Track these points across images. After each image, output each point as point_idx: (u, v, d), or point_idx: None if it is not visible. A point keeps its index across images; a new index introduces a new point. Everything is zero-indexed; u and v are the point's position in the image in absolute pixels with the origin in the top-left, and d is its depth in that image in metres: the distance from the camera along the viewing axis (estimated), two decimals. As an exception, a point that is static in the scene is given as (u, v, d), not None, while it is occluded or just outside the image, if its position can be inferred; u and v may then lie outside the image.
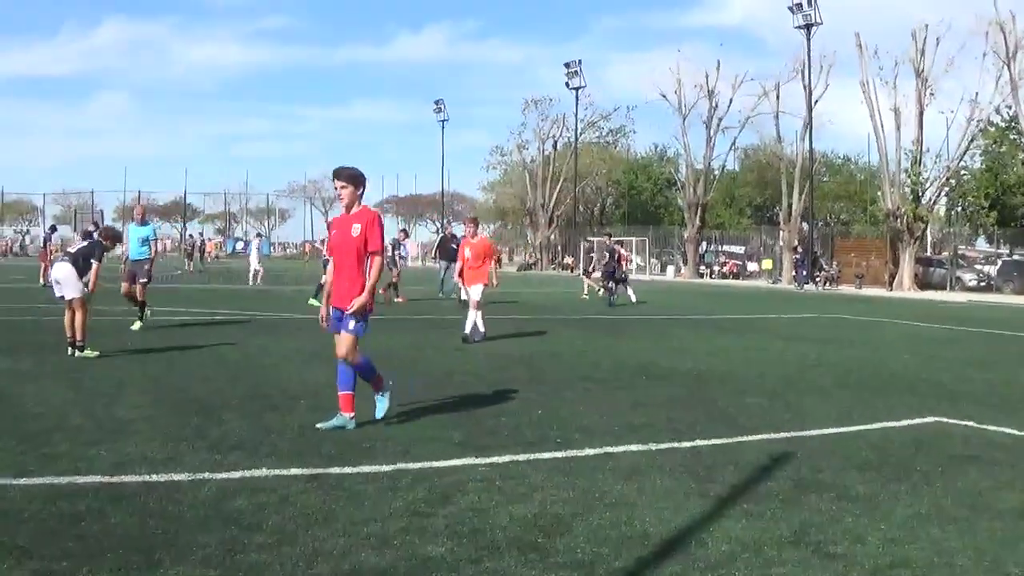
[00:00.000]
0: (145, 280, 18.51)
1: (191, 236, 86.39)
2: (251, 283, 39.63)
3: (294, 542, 5.58)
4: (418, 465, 7.58)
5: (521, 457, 7.93)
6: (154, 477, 7.06)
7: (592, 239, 36.25)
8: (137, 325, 18.05)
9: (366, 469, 7.44)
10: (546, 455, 8.05)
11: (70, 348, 14.07)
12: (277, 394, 10.87)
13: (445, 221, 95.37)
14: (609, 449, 8.32)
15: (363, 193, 9.11)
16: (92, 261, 14.42)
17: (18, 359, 13.67)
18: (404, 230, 41.16)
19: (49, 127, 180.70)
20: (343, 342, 8.81)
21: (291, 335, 18.23)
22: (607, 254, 32.49)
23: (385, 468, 7.47)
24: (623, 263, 32.20)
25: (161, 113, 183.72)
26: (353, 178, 8.98)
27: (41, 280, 14.64)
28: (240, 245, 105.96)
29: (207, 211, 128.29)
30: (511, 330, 20.03)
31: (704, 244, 75.99)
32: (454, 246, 32.29)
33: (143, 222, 19.54)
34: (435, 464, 7.63)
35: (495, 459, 7.82)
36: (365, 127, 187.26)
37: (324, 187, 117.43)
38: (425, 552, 5.44)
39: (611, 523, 6.07)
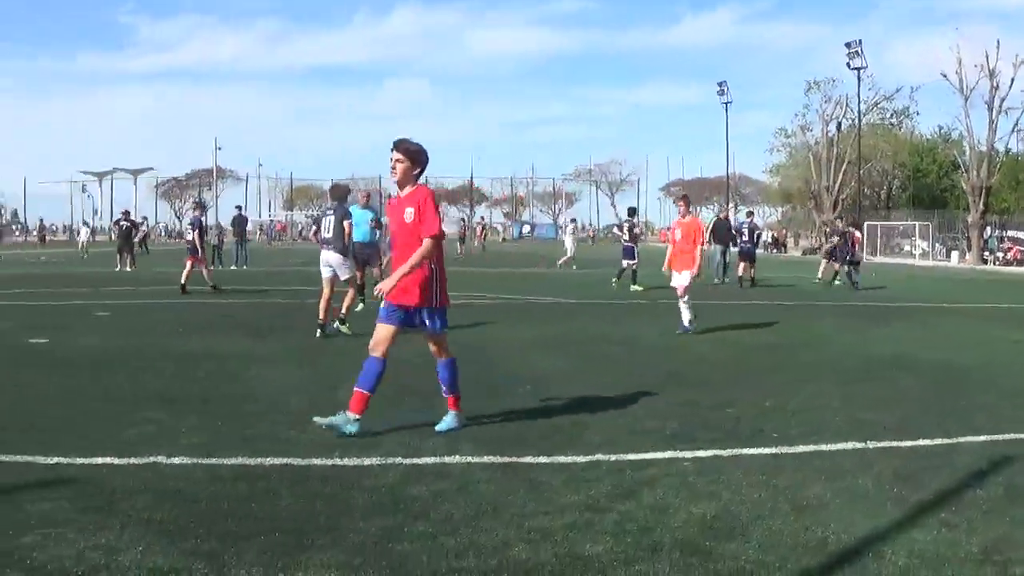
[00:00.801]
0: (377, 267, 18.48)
1: (462, 220, 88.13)
2: (558, 265, 39.73)
3: (454, 533, 5.45)
4: (615, 457, 7.31)
5: (727, 452, 7.53)
6: (344, 461, 7.12)
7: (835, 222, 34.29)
8: (359, 307, 18.06)
9: (561, 459, 7.23)
10: (753, 451, 7.62)
11: (319, 331, 14.57)
12: (501, 380, 10.81)
13: (731, 204, 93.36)
14: (823, 447, 7.80)
15: (420, 174, 8.15)
16: (344, 224, 15.02)
17: (263, 342, 14.30)
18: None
19: (344, 114, 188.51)
20: (437, 341, 8.20)
21: (544, 321, 18.16)
22: (840, 237, 31.82)
23: (580, 459, 7.24)
24: (856, 246, 30.93)
25: (456, 99, 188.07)
26: (412, 153, 8.00)
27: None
28: (527, 229, 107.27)
29: (495, 195, 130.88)
30: (768, 317, 19.39)
31: (988, 229, 71.65)
32: (730, 230, 31.79)
33: (367, 205, 18.96)
34: (634, 456, 7.34)
35: (699, 453, 7.46)
36: (653, 109, 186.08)
37: (610, 170, 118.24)
38: (582, 550, 5.18)
39: (791, 528, 5.63)
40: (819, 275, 33.31)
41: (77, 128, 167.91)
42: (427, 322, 8.06)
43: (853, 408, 9.45)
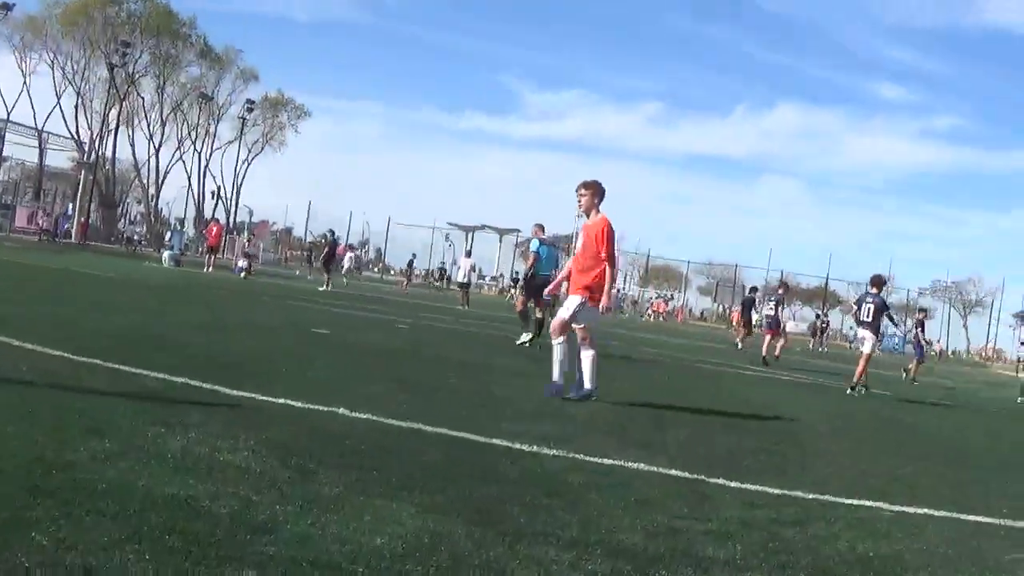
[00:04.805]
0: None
1: (816, 318, 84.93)
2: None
3: (572, 510, 5.03)
4: (814, 496, 6.52)
5: (939, 513, 6.56)
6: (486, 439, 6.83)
7: None
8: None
9: (750, 487, 6.53)
10: (980, 519, 6.62)
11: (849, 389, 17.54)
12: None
13: None
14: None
15: None
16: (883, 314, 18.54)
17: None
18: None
19: (714, 202, 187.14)
20: None
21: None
22: None
23: (773, 491, 6.55)
24: None
25: (825, 202, 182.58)
26: None
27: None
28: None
29: (850, 300, 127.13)
30: None
31: None
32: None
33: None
34: (833, 499, 6.55)
35: (908, 509, 6.53)
36: (1017, 234, 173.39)
37: (965, 289, 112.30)
38: (700, 551, 4.65)
39: (960, 578, 4.86)
40: None
41: (449, 181, 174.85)
42: None
43: None
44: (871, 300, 18.21)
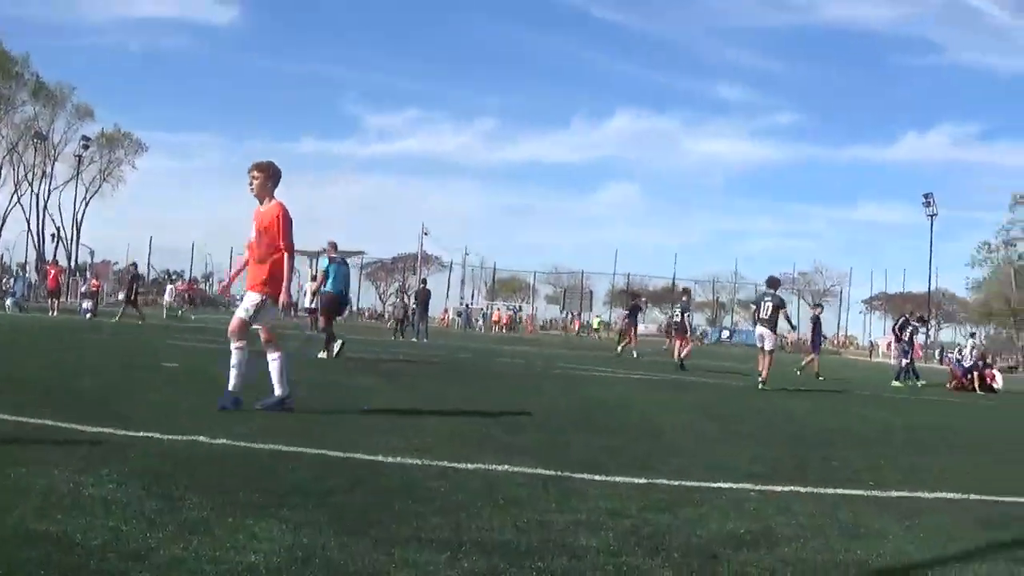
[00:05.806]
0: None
1: (668, 318, 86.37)
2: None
3: (442, 512, 5.08)
4: (678, 482, 6.74)
5: (805, 489, 6.83)
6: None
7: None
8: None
9: (616, 479, 6.70)
10: (838, 490, 6.88)
11: (760, 384, 18.94)
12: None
13: (932, 320, 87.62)
14: (919, 494, 7.02)
15: None
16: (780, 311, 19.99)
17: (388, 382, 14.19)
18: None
19: (552, 212, 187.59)
20: None
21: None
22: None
23: (638, 480, 6.70)
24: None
25: (666, 204, 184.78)
26: None
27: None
28: (726, 335, 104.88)
29: (697, 299, 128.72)
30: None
31: None
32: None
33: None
34: (696, 484, 6.74)
35: (773, 487, 6.77)
36: (866, 227, 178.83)
37: (814, 280, 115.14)
38: (574, 541, 4.74)
39: (829, 548, 5.09)
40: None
41: (293, 209, 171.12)
42: None
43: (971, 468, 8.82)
44: (769, 299, 19.70)
